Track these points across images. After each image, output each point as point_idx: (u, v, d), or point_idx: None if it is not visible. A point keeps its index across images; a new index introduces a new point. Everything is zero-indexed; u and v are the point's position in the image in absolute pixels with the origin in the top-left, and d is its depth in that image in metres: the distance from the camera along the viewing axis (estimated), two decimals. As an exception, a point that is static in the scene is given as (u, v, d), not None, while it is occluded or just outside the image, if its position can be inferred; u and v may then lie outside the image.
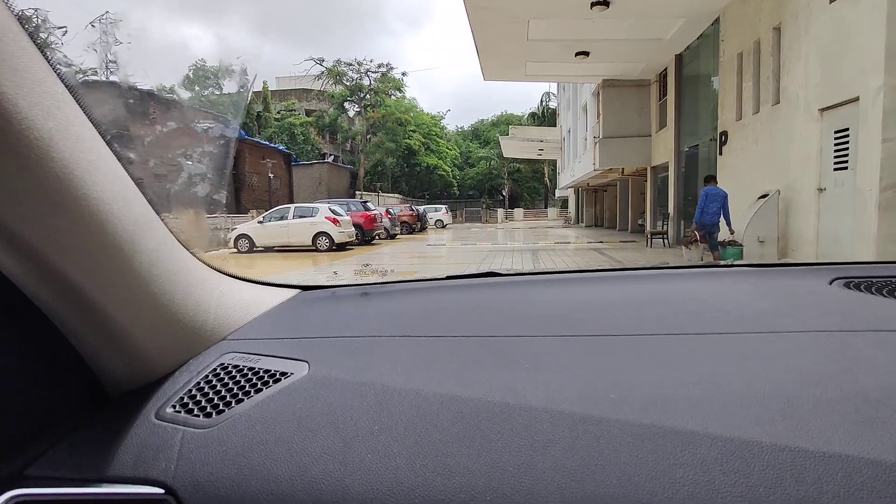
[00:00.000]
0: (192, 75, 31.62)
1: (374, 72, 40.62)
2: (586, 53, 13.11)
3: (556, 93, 37.63)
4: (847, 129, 6.55)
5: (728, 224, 8.09)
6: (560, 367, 0.47)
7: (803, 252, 7.56)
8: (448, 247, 17.60)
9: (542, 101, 46.15)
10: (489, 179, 51.51)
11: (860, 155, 6.27)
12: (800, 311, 0.52)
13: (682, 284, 0.64)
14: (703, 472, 0.33)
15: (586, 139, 20.44)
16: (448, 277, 0.81)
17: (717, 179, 8.69)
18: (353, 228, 16.41)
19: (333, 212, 15.82)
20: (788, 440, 0.34)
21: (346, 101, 41.38)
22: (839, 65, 6.57)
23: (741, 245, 8.00)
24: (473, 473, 0.37)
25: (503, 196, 49.70)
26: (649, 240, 14.08)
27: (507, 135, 30.44)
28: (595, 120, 17.89)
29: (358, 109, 42.06)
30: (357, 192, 33.96)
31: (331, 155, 40.50)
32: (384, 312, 0.69)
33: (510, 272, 0.77)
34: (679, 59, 13.27)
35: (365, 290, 0.77)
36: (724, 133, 10.21)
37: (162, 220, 0.66)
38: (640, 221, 19.21)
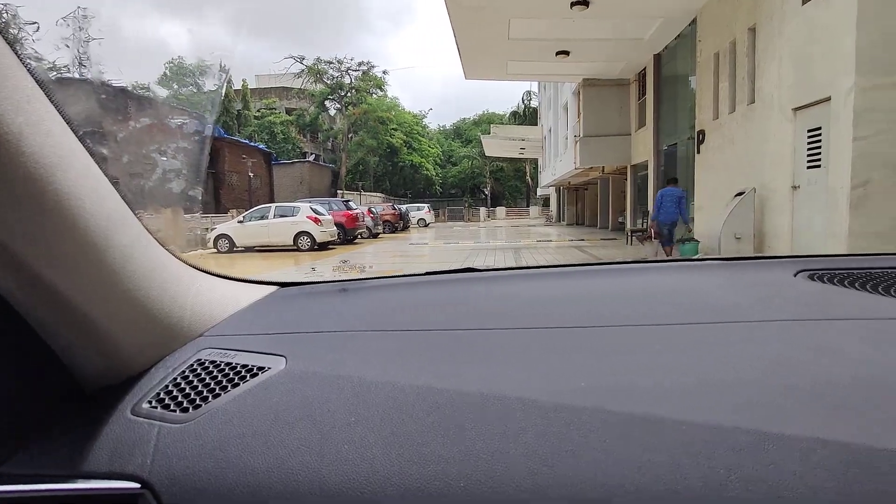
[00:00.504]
0: (168, 72, 31.14)
1: (355, 70, 40.44)
2: (567, 53, 13.21)
3: (537, 92, 37.87)
4: (819, 129, 6.70)
5: (685, 221, 8.58)
6: (533, 358, 0.48)
7: (778, 248, 7.73)
8: (430, 246, 17.61)
9: (523, 100, 46.44)
10: (471, 178, 51.61)
11: (832, 154, 6.42)
12: (766, 302, 0.53)
13: (654, 278, 0.66)
14: (668, 455, 0.34)
15: (567, 138, 20.60)
16: (426, 273, 0.82)
17: (696, 178, 8.92)
18: (335, 228, 16.32)
19: (315, 211, 15.71)
20: (751, 424, 0.36)
21: (327, 99, 41.11)
22: (812, 66, 6.72)
23: (697, 241, 8.43)
24: (448, 461, 0.38)
25: (485, 195, 49.85)
26: (629, 237, 14.26)
27: (489, 134, 30.54)
28: (576, 119, 18.05)
29: (339, 108, 41.81)
30: (339, 192, 33.77)
31: (312, 154, 40.20)
32: (362, 308, 0.70)
33: (487, 268, 0.78)
34: (658, 58, 13.44)
35: (343, 286, 0.78)
36: (702, 132, 10.38)
37: (137, 216, 0.66)
38: (620, 219, 19.43)
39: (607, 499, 0.33)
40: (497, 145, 30.56)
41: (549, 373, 0.46)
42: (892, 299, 0.50)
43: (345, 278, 0.86)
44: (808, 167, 6.97)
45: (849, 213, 6.08)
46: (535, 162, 40.47)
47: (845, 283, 0.54)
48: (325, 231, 15.61)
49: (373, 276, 0.88)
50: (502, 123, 43.16)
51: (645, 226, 14.13)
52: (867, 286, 0.53)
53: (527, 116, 44.33)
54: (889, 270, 0.57)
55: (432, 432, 0.41)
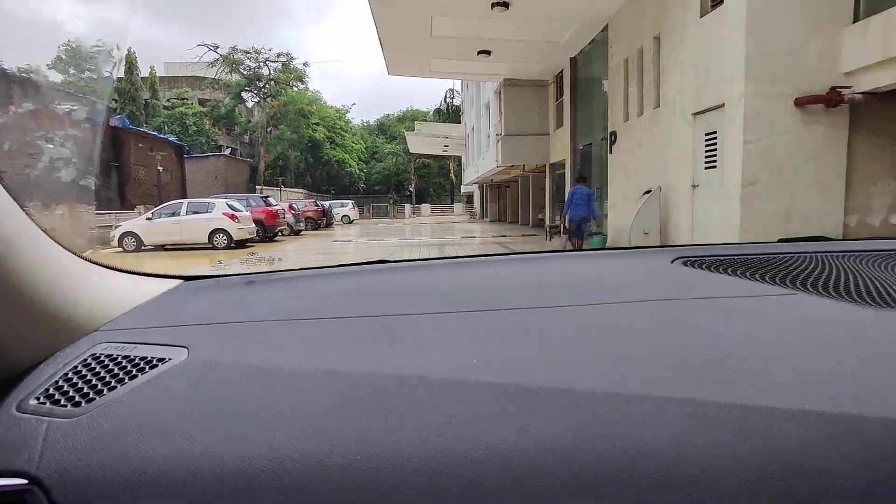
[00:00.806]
0: (64, 56, 28.51)
1: (274, 61, 39.04)
2: (488, 52, 13.49)
3: (460, 90, 38.33)
4: (715, 133, 7.29)
5: (594, 217, 9.34)
6: (435, 340, 0.51)
7: (680, 241, 8.33)
8: (355, 243, 17.38)
9: (446, 98, 46.84)
10: (396, 174, 51.43)
11: (726, 156, 7.01)
12: (643, 285, 0.60)
13: (551, 266, 0.71)
14: (545, 420, 0.38)
15: (489, 136, 21.04)
16: (339, 266, 0.82)
17: (609, 177, 9.48)
18: (254, 225, 15.70)
19: (231, 207, 15.03)
20: (618, 388, 0.40)
21: (244, 90, 39.37)
22: (708, 74, 7.29)
23: (604, 235, 9.21)
24: (348, 437, 0.40)
25: (410, 192, 49.86)
26: (548, 233, 14.81)
27: (413, 131, 30.55)
28: (497, 118, 18.47)
29: (257, 100, 40.16)
30: (257, 187, 32.47)
31: (228, 147, 38.32)
32: (270, 299, 0.69)
33: (397, 259, 0.80)
34: (574, 62, 14.03)
35: (251, 278, 0.77)
36: (614, 133, 10.98)
37: (23, 209, 0.62)
38: (540, 216, 20.13)
39: (486, 458, 0.36)
40: (421, 142, 30.66)
41: (447, 353, 0.49)
42: (748, 281, 0.57)
43: (254, 271, 0.85)
44: (706, 168, 7.56)
45: (740, 209, 6.67)
46: (459, 159, 41.01)
47: (712, 267, 0.62)
48: (243, 228, 14.98)
49: (283, 268, 0.88)
50: (426, 120, 43.32)
51: (570, 224, 14.76)
52: (729, 270, 0.60)
53: (450, 114, 44.76)
54: (750, 256, 0.66)
55: (334, 413, 0.42)
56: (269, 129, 39.25)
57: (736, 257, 0.66)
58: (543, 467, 0.35)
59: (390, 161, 50.96)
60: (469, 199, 43.51)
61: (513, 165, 18.48)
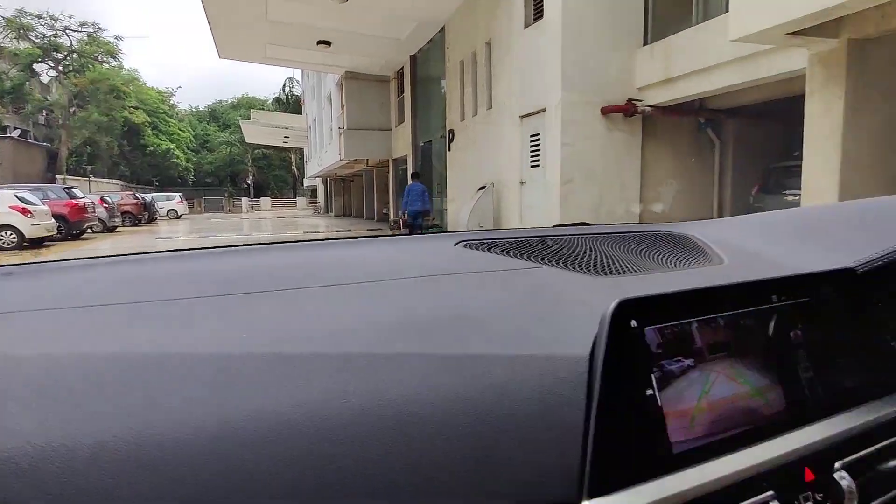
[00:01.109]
0: None
1: (76, 30, 33.78)
2: (328, 43, 13.20)
3: (300, 80, 36.93)
4: (539, 135, 8.03)
5: (428, 211, 10.33)
6: (217, 318, 0.51)
7: (512, 235, 9.04)
8: (183, 240, 15.85)
9: (285, 87, 44.87)
10: (231, 165, 47.96)
11: (548, 156, 7.77)
12: (427, 263, 0.66)
13: (354, 251, 0.74)
14: (318, 384, 0.41)
15: (332, 129, 20.64)
16: (113, 255, 0.76)
17: (447, 173, 9.96)
18: (53, 220, 13.48)
19: (23, 200, 12.73)
20: (390, 349, 0.45)
21: (38, 62, 33.45)
22: (532, 80, 7.99)
23: (438, 226, 10.12)
24: (121, 417, 0.38)
25: (248, 184, 46.86)
26: (392, 227, 15.03)
27: (249, 119, 28.74)
28: (339, 111, 18.19)
29: (56, 75, 34.40)
30: (59, 177, 27.90)
31: (16, 128, 32.21)
32: (26, 290, 0.62)
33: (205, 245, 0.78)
34: (414, 59, 14.37)
35: (9, 269, 0.68)
36: (452, 131, 11.49)
37: None
38: (385, 210, 20.33)
39: (259, 426, 0.38)
40: (259, 132, 28.96)
41: (224, 330, 0.49)
42: (510, 258, 0.67)
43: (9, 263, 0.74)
44: (532, 166, 8.29)
45: (559, 204, 7.44)
46: (301, 151, 39.55)
47: (486, 249, 0.71)
48: (39, 224, 12.79)
49: (47, 259, 0.80)
50: (264, 109, 41.00)
51: (408, 218, 15.11)
52: (499, 250, 0.70)
53: (290, 104, 42.98)
54: (521, 239, 0.77)
55: (116, 395, 0.40)
56: (72, 110, 33.84)
57: (510, 240, 0.76)
58: (311, 428, 0.37)
59: (224, 151, 47.33)
60: (313, 192, 42.25)
61: (356, 160, 18.37)
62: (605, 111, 7.40)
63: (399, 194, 16.96)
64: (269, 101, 48.40)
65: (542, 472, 0.37)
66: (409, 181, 10.94)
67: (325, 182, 33.41)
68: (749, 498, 0.42)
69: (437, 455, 0.36)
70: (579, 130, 7.38)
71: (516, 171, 8.65)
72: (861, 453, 0.49)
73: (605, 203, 7.57)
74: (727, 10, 4.98)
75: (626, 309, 0.42)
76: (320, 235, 16.27)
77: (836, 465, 0.48)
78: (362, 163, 19.37)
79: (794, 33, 4.40)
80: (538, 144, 8.07)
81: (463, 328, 0.48)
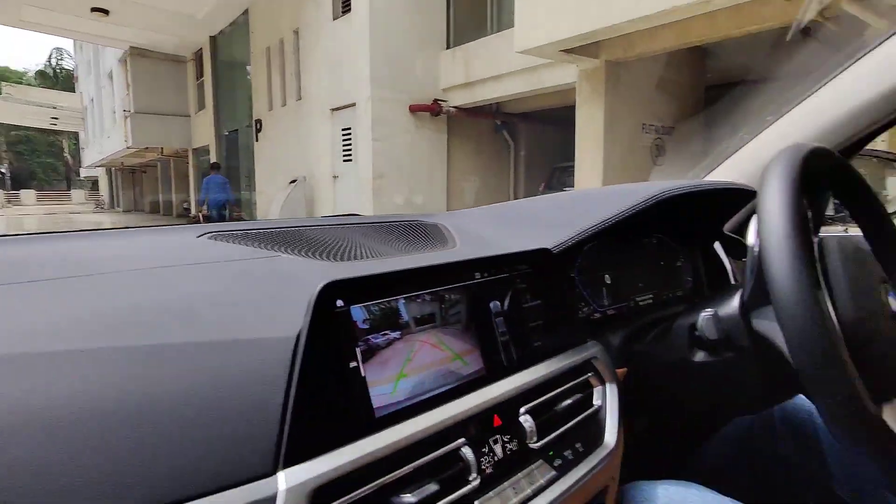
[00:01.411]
0: None
1: None
2: (105, 11, 11.46)
3: (73, 52, 31.39)
4: (350, 129, 8.02)
5: (230, 202, 10.02)
6: None
7: (326, 230, 8.93)
8: None
9: (51, 58, 37.84)
10: (-24, 150, 38.90)
11: (360, 151, 7.81)
12: (165, 254, 0.64)
13: (76, 243, 0.68)
14: (43, 379, 0.38)
15: (115, 112, 18.00)
16: None
17: (256, 164, 9.41)
18: None
19: None
20: (118, 341, 0.42)
21: None
22: (342, 73, 7.94)
23: (244, 219, 9.80)
24: None
25: (2, 173, 38.51)
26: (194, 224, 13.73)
27: (2, 95, 23.62)
28: (125, 92, 15.93)
29: None
30: None
31: None
32: None
33: None
34: (214, 41, 13.22)
35: None
36: (259, 121, 10.87)
37: None
38: (185, 205, 18.41)
39: None
40: (16, 111, 23.96)
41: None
42: (253, 248, 0.67)
43: None
44: (344, 160, 8.26)
45: (372, 199, 7.55)
46: (76, 136, 33.64)
47: (230, 240, 0.71)
48: None
49: None
50: (23, 84, 34.00)
51: (211, 212, 13.88)
52: (245, 241, 0.70)
53: (59, 79, 36.40)
54: (270, 230, 0.78)
55: None
56: None
57: (259, 231, 0.76)
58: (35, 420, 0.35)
59: (-35, 132, 38.16)
60: (95, 184, 36.36)
61: (148, 148, 16.30)
62: (413, 109, 7.69)
63: (200, 186, 15.54)
64: (31, 74, 40.38)
65: (239, 450, 0.39)
66: (209, 173, 10.25)
67: (109, 172, 29.01)
68: (442, 447, 0.49)
69: (128, 446, 0.36)
70: (389, 127, 7.56)
71: (329, 164, 8.54)
72: (541, 399, 0.60)
73: (414, 197, 7.89)
74: (515, 24, 5.54)
75: (332, 290, 0.46)
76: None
77: (521, 409, 0.58)
78: (156, 151, 17.25)
79: (565, 51, 5.09)
80: (350, 138, 8.06)
81: (177, 318, 0.47)
